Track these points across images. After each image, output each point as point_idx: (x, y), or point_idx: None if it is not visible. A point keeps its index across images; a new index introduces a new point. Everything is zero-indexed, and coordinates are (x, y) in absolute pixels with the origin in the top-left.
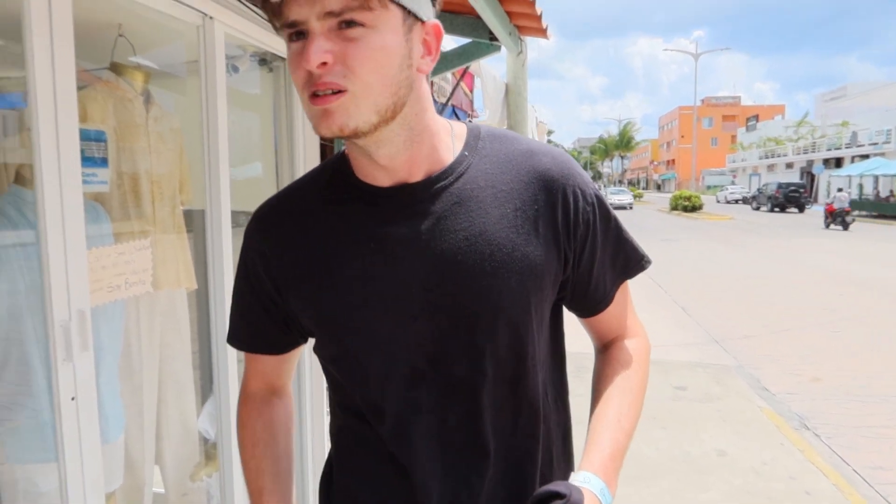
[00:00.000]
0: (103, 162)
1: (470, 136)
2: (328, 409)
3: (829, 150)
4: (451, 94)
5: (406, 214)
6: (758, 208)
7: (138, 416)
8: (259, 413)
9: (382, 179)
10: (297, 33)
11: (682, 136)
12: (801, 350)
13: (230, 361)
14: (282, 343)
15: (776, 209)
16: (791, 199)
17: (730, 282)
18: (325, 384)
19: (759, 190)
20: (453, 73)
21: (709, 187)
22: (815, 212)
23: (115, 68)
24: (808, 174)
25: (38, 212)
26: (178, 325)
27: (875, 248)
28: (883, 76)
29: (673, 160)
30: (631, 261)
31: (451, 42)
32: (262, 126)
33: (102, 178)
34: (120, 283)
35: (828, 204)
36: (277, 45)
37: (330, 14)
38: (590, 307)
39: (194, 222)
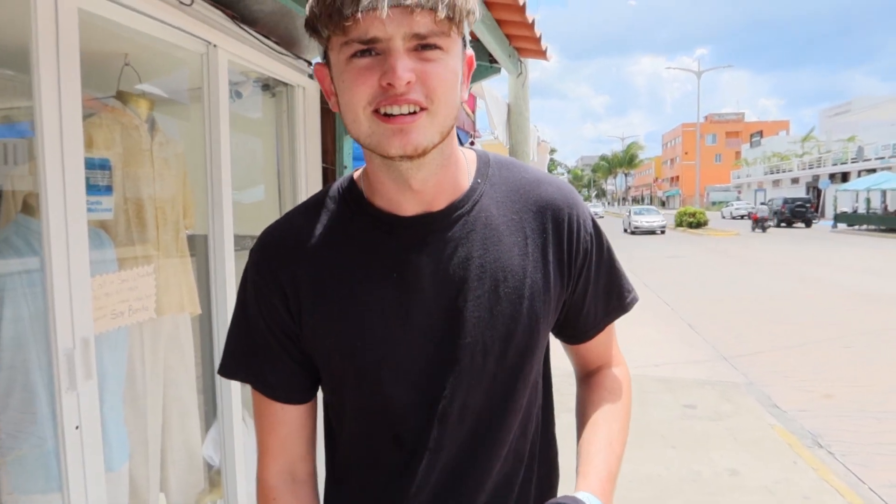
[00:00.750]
0: (108, 190)
1: (480, 163)
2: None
3: (835, 164)
4: None
5: (426, 243)
6: (764, 230)
7: (143, 443)
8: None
9: (406, 207)
10: (367, 50)
11: (686, 153)
12: (812, 366)
13: (234, 386)
14: (304, 386)
15: (782, 224)
16: (797, 214)
17: (737, 297)
18: None
19: (763, 204)
20: None
21: (713, 203)
22: (823, 227)
23: (121, 97)
24: (815, 189)
25: (43, 240)
26: (181, 350)
27: (884, 262)
28: (888, 91)
29: (677, 177)
30: (622, 294)
31: None
32: (265, 150)
33: (107, 205)
34: (123, 310)
35: (752, 213)
36: (279, 70)
37: (416, 36)
38: (578, 334)
39: (198, 247)
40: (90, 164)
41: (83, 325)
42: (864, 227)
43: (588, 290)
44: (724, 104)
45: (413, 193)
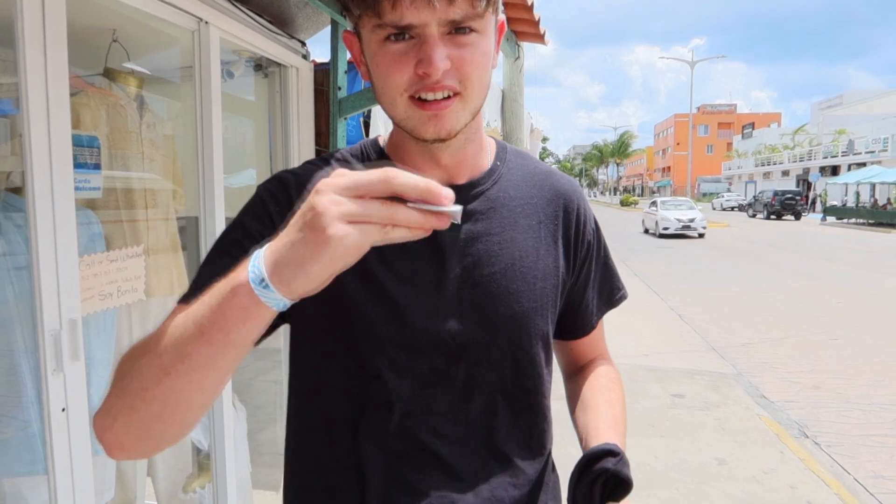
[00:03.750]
0: (96, 167)
1: (499, 148)
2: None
3: (825, 157)
4: None
5: None
6: (754, 215)
7: None
8: None
9: (430, 178)
10: (401, 33)
11: (678, 144)
12: (799, 358)
13: None
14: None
15: (772, 216)
16: (787, 206)
17: (726, 289)
18: None
19: (755, 197)
20: None
21: (704, 194)
22: (812, 219)
23: (109, 74)
24: (805, 182)
25: (28, 219)
26: None
27: (870, 257)
28: (881, 85)
29: (669, 167)
30: (614, 290)
31: None
32: (257, 132)
33: (95, 183)
34: (112, 291)
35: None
36: (272, 50)
37: (452, 22)
38: (576, 329)
39: (188, 229)
40: (78, 141)
41: (70, 306)
42: (853, 220)
43: (588, 284)
44: (717, 95)
45: (439, 168)
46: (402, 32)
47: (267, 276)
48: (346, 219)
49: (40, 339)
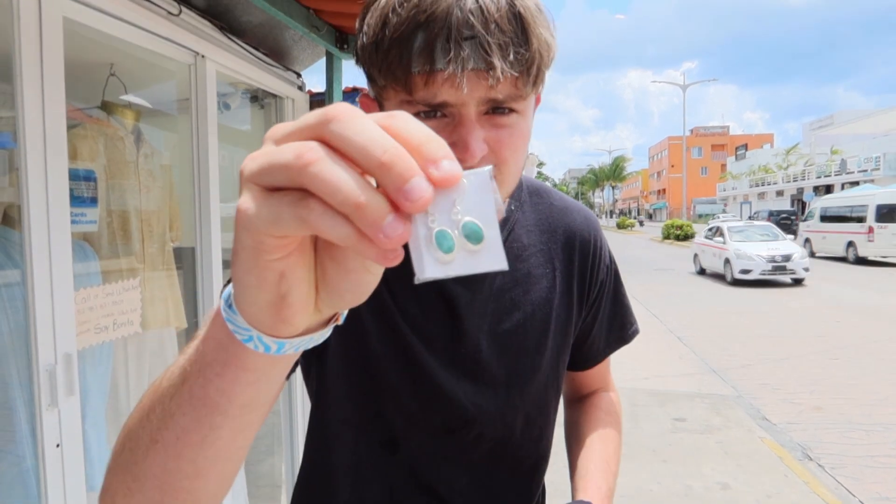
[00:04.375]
0: (92, 202)
1: (514, 192)
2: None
3: (818, 177)
4: None
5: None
6: None
7: None
8: None
9: None
10: (433, 112)
11: (672, 166)
12: (800, 378)
13: None
14: None
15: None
16: (783, 226)
17: (725, 310)
18: None
19: (750, 217)
20: None
21: (700, 216)
22: None
23: (106, 107)
24: (799, 201)
25: (24, 252)
26: (167, 365)
27: (865, 275)
28: (870, 105)
29: (664, 189)
30: (626, 325)
31: None
32: None
33: (91, 217)
34: (108, 324)
35: None
36: (268, 82)
37: (492, 100)
38: (580, 362)
39: (184, 260)
40: (74, 175)
41: (66, 341)
42: None
43: (596, 321)
44: (710, 118)
45: None
46: (434, 110)
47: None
48: (253, 181)
49: (35, 374)
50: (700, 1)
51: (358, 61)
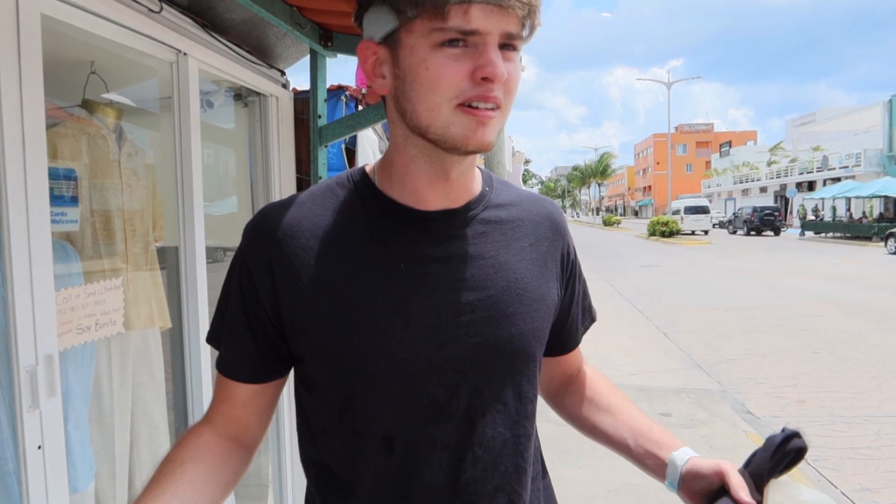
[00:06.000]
0: (73, 201)
1: (485, 175)
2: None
3: (801, 173)
4: None
5: (441, 239)
6: (734, 232)
7: (109, 462)
8: (207, 439)
9: (430, 201)
10: (458, 40)
11: (658, 163)
12: (783, 373)
13: (206, 401)
14: (260, 369)
15: (752, 232)
16: (766, 222)
17: (709, 305)
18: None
19: (734, 214)
20: None
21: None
22: (791, 235)
23: (87, 105)
24: (782, 198)
25: (3, 253)
26: (151, 366)
27: (847, 271)
28: (852, 102)
29: (649, 186)
30: (590, 306)
31: None
32: (238, 161)
33: (72, 217)
34: (90, 325)
35: None
36: (252, 80)
37: (507, 35)
38: (562, 345)
39: (168, 259)
40: (54, 175)
41: (46, 341)
42: (831, 234)
43: (573, 301)
44: (695, 115)
45: (444, 186)
46: (459, 39)
47: None
48: None
49: (15, 376)
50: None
51: (400, 12)
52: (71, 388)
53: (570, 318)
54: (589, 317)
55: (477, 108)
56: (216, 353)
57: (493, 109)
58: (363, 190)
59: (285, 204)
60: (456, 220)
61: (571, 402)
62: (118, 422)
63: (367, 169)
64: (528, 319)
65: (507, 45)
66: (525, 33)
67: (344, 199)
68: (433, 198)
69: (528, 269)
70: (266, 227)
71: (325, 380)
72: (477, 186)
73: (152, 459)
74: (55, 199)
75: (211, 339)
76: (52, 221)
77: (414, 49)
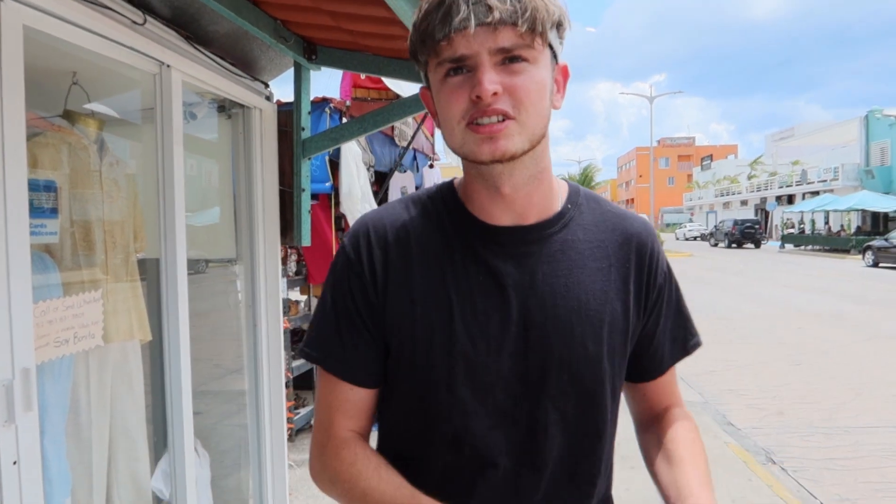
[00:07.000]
0: (53, 212)
1: (572, 191)
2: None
3: (781, 187)
4: (412, 138)
5: (516, 254)
6: (716, 244)
7: (87, 477)
8: (365, 451)
9: (498, 216)
10: (458, 68)
11: (640, 176)
12: (763, 384)
13: (185, 416)
14: (376, 371)
15: (733, 245)
16: (747, 235)
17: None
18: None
19: (716, 227)
20: (414, 118)
21: (668, 225)
22: (771, 247)
23: (69, 116)
24: (763, 211)
25: None
26: (130, 379)
27: (826, 283)
28: (829, 117)
29: (632, 199)
30: (688, 336)
31: (412, 88)
32: (221, 172)
33: (52, 228)
34: (68, 338)
35: None
36: (236, 92)
37: (501, 50)
38: (645, 371)
39: (149, 270)
40: (34, 186)
41: (23, 355)
42: (810, 247)
43: (658, 328)
44: (678, 129)
45: (503, 201)
46: (460, 67)
47: None
48: None
49: None
50: (669, 16)
51: (412, 57)
52: (48, 402)
53: (654, 346)
54: (681, 349)
55: (481, 124)
56: (195, 366)
57: (501, 122)
58: (449, 202)
59: (380, 211)
60: (529, 237)
61: (649, 443)
62: (96, 436)
63: (455, 182)
64: (597, 341)
65: (514, 57)
66: (535, 41)
67: (431, 210)
68: (498, 213)
69: (602, 291)
70: (366, 230)
71: (404, 377)
72: (555, 204)
73: (131, 475)
74: (34, 211)
75: (307, 353)
76: (31, 233)
77: (434, 85)
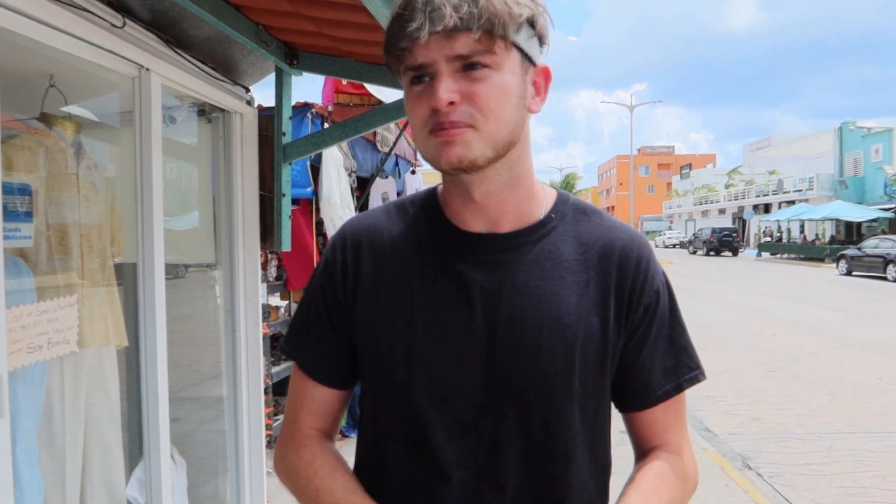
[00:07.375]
0: (27, 216)
1: (559, 201)
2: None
3: (758, 196)
4: (394, 143)
5: (487, 262)
6: (694, 252)
7: (60, 485)
8: (325, 451)
9: (472, 223)
10: (420, 76)
11: (621, 184)
12: (740, 390)
13: (161, 422)
14: (343, 373)
15: (711, 253)
16: (725, 243)
17: None
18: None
19: (694, 235)
20: (396, 124)
21: (647, 233)
22: (748, 255)
23: (46, 118)
24: (740, 219)
25: None
26: (105, 385)
27: (802, 291)
28: (805, 128)
29: (612, 207)
30: (681, 365)
31: (394, 94)
32: (200, 177)
33: (26, 232)
34: (42, 343)
35: None
36: (216, 96)
37: (458, 57)
38: (631, 397)
39: (126, 275)
40: (8, 190)
41: None
42: (786, 255)
43: (644, 347)
44: (658, 137)
45: (476, 207)
46: (422, 75)
47: None
48: None
49: None
50: (650, 26)
51: (385, 64)
52: (20, 408)
53: (639, 367)
54: (672, 380)
55: (439, 130)
56: (172, 372)
57: (460, 129)
58: (429, 208)
59: (364, 216)
60: (503, 245)
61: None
62: (70, 444)
63: (438, 188)
64: (568, 358)
65: (473, 64)
66: (495, 46)
67: (411, 215)
68: (472, 219)
69: (577, 306)
70: (346, 234)
71: (368, 382)
72: (536, 212)
73: (105, 483)
74: (8, 215)
75: (285, 347)
76: (5, 237)
77: (404, 91)
